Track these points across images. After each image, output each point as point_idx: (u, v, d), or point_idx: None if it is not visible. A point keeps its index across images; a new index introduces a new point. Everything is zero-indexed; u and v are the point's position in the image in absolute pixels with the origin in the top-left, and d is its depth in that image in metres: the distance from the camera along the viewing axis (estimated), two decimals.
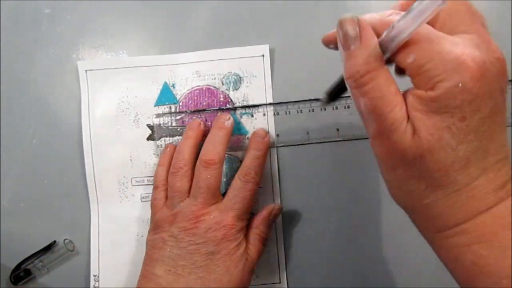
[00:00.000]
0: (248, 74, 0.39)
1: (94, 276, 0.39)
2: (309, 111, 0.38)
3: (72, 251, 0.39)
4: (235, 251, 0.33)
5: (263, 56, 0.39)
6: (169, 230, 0.33)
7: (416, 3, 0.22)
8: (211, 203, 0.34)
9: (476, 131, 0.22)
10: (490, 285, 0.23)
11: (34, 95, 0.40)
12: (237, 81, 0.39)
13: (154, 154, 0.39)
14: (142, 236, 0.39)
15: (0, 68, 0.40)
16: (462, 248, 0.23)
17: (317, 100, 0.38)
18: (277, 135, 0.39)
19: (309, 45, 0.39)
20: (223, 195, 0.35)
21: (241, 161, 0.38)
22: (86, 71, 0.40)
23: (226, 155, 0.38)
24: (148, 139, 0.39)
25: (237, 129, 0.39)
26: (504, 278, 0.22)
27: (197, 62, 0.40)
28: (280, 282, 0.38)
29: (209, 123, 0.38)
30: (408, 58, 0.23)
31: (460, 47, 0.22)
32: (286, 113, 0.39)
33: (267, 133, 0.38)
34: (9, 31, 0.41)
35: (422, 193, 0.24)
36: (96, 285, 0.38)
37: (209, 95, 0.39)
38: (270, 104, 0.39)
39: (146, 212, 0.38)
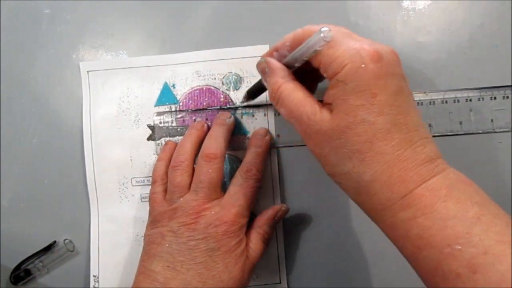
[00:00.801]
0: (249, 74, 0.39)
1: (94, 276, 0.39)
2: None
3: (72, 251, 0.39)
4: (236, 248, 0.33)
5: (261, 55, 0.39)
6: (168, 225, 0.33)
7: (308, 39, 0.28)
8: (212, 198, 0.34)
9: (390, 105, 0.26)
10: (434, 255, 0.25)
11: (34, 95, 0.40)
12: (238, 81, 0.39)
13: (154, 154, 0.39)
14: (142, 236, 0.39)
15: (0, 68, 0.40)
16: (409, 222, 0.26)
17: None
18: (278, 136, 0.39)
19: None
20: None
21: (241, 162, 0.38)
22: (88, 72, 0.40)
23: (226, 155, 0.38)
24: (148, 139, 0.39)
25: (237, 129, 0.39)
26: (445, 247, 0.24)
27: (198, 62, 0.40)
28: (280, 283, 0.38)
29: (210, 123, 0.38)
30: (317, 59, 0.28)
31: (359, 42, 0.27)
32: None
33: (268, 131, 0.38)
34: (9, 31, 0.41)
35: (356, 169, 0.27)
36: (96, 285, 0.38)
37: (209, 95, 0.39)
38: (270, 104, 0.39)
39: (146, 212, 0.38)
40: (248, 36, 0.40)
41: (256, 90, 0.37)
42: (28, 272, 0.38)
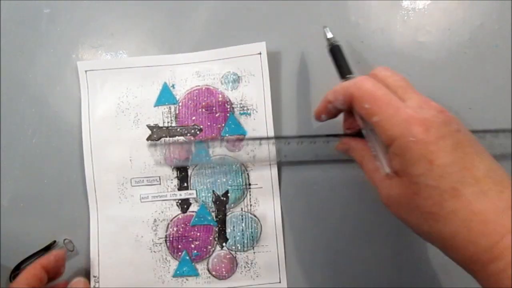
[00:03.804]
0: (246, 73, 0.39)
1: (94, 277, 0.39)
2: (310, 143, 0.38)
3: (72, 251, 0.39)
4: None
5: (260, 54, 0.39)
6: None
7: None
8: None
9: (450, 165, 0.26)
10: None
11: (34, 95, 0.40)
12: (236, 81, 0.39)
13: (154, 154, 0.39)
14: (142, 236, 0.39)
15: (0, 68, 0.40)
16: (499, 275, 0.24)
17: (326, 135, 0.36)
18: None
19: (309, 44, 0.39)
20: (223, 195, 0.35)
21: (240, 162, 0.38)
22: (86, 71, 0.40)
23: (224, 156, 0.38)
24: (148, 139, 0.39)
25: (236, 129, 0.39)
26: None
27: (197, 62, 0.40)
28: (280, 282, 0.38)
29: (205, 128, 0.38)
30: (373, 118, 0.29)
31: (408, 111, 0.28)
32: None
33: None
34: (9, 31, 0.41)
35: (434, 229, 0.27)
36: (97, 285, 0.38)
37: (208, 95, 0.39)
38: (271, 138, 0.39)
39: (145, 212, 0.39)
40: (247, 36, 0.40)
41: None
42: None
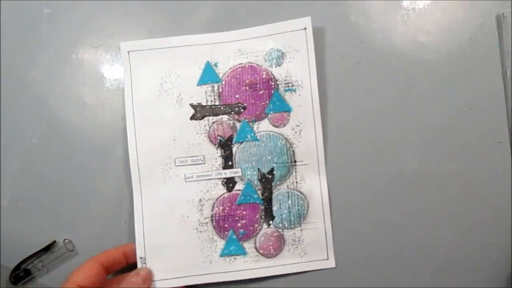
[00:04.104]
0: (291, 49, 0.39)
1: (141, 258, 0.38)
2: None
3: (72, 251, 0.39)
4: None
5: (305, 29, 0.39)
6: None
7: None
8: None
9: None
10: None
11: (34, 95, 0.40)
12: (280, 57, 0.39)
13: (197, 133, 0.39)
14: (187, 216, 0.38)
15: (0, 68, 0.40)
16: None
17: None
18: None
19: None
20: (268, 173, 0.37)
21: (285, 139, 0.38)
22: (128, 52, 0.40)
23: (269, 132, 0.38)
24: (191, 118, 0.39)
25: (280, 106, 0.39)
26: None
27: (240, 40, 0.39)
28: (327, 259, 0.38)
29: (250, 106, 0.39)
30: None
31: None
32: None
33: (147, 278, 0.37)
34: (9, 31, 0.41)
35: None
36: (144, 266, 0.38)
37: (252, 72, 0.39)
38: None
39: (190, 192, 0.38)
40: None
41: None
42: (27, 272, 0.38)
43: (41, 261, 0.39)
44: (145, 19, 0.41)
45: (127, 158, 0.39)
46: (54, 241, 0.39)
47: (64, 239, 0.39)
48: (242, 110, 0.39)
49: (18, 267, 0.38)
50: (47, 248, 0.39)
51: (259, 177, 0.39)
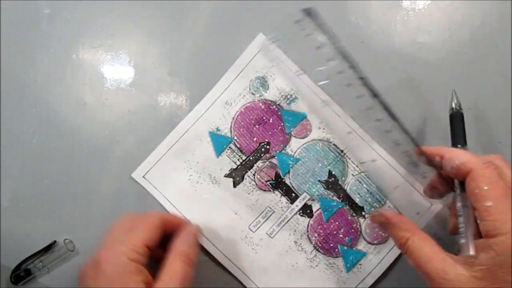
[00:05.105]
0: (265, 69, 0.39)
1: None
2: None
3: (72, 251, 0.39)
4: None
5: (261, 47, 0.39)
6: None
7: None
8: None
9: None
10: None
11: (34, 95, 0.40)
12: (263, 83, 0.40)
13: (249, 193, 0.39)
14: (296, 263, 0.39)
15: (0, 68, 0.40)
16: None
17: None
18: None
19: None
20: (329, 176, 0.37)
21: (319, 140, 0.39)
22: (143, 177, 0.39)
23: (304, 146, 0.39)
24: (234, 186, 0.39)
25: (296, 118, 0.39)
26: None
27: (221, 94, 0.40)
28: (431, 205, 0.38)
29: (266, 139, 0.39)
30: (485, 202, 0.28)
31: None
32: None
33: (197, 233, 0.36)
34: (9, 31, 0.41)
35: None
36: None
37: (251, 111, 0.39)
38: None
39: (282, 243, 0.39)
40: (246, 33, 0.40)
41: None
42: (28, 272, 0.39)
43: (41, 261, 0.39)
44: (145, 19, 0.41)
45: (127, 158, 0.39)
46: (55, 241, 0.39)
47: (65, 239, 0.39)
48: (268, 147, 0.39)
49: (18, 267, 0.39)
50: (48, 248, 0.39)
51: (325, 186, 0.39)
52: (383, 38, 0.40)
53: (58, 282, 0.39)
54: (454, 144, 0.34)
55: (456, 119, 0.35)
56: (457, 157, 0.30)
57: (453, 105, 0.35)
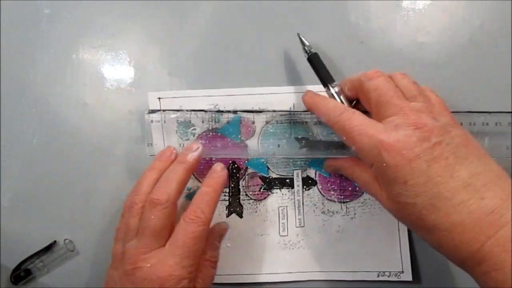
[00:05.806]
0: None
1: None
2: None
3: (72, 251, 0.39)
4: None
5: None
6: (118, 270, 0.32)
7: None
8: (153, 248, 0.31)
9: (424, 184, 0.27)
10: None
11: (34, 95, 0.40)
12: (187, 124, 0.38)
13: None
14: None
15: (0, 68, 0.40)
16: (484, 276, 0.26)
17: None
18: None
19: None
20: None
21: (280, 116, 0.38)
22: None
23: (267, 125, 0.38)
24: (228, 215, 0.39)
25: (235, 125, 0.38)
26: None
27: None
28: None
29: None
30: (352, 146, 0.30)
31: (381, 136, 0.28)
32: None
33: (224, 168, 0.35)
34: (9, 31, 0.41)
35: (425, 237, 0.29)
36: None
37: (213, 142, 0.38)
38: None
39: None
40: (247, 35, 0.40)
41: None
42: (28, 272, 0.39)
43: (41, 261, 0.39)
44: (145, 19, 0.41)
45: (127, 158, 0.39)
46: (55, 241, 0.39)
47: (65, 239, 0.39)
48: (236, 165, 0.39)
49: (18, 267, 0.39)
50: (48, 248, 0.39)
51: (305, 152, 0.37)
52: (383, 38, 0.40)
53: (58, 282, 0.39)
54: (325, 85, 0.35)
55: (315, 60, 0.35)
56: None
57: (306, 49, 0.36)
